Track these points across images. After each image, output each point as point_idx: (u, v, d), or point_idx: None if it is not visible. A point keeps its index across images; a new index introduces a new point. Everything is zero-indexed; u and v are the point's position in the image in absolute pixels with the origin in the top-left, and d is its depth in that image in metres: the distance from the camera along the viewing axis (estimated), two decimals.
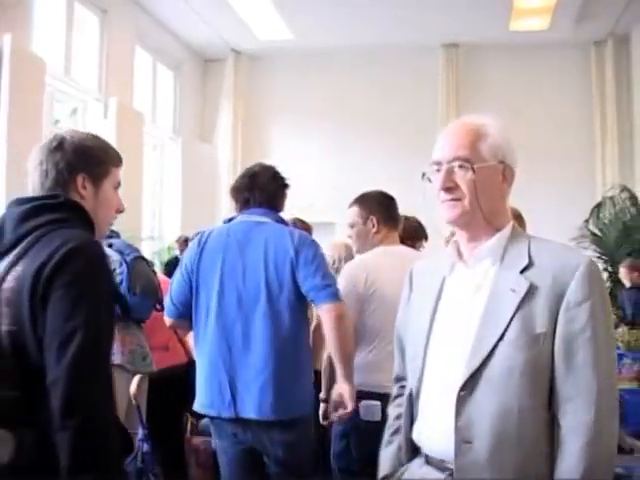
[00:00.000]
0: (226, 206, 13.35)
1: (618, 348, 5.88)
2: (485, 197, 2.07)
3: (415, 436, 2.15)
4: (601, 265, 11.00)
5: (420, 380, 2.12)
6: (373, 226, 4.02)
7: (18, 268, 2.02)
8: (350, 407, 3.43)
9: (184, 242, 8.21)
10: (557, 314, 1.94)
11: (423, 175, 2.18)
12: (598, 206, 11.54)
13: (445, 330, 2.11)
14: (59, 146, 2.24)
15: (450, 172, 2.08)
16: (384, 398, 2.79)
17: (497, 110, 11.87)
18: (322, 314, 3.46)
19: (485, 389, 1.94)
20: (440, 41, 13.23)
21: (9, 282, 2.01)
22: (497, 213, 2.12)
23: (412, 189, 10.58)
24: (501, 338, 1.95)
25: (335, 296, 3.43)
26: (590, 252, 10.98)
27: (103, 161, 2.30)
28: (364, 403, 3.67)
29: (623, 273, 9.49)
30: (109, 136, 10.12)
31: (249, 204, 3.68)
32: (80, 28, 10.30)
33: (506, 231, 2.11)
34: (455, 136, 2.14)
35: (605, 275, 10.98)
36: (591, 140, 13.01)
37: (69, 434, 1.87)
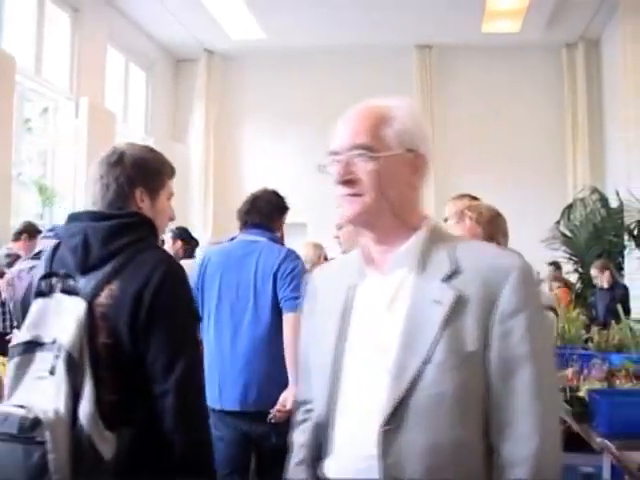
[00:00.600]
0: (198, 206, 13.32)
1: (587, 349, 5.91)
2: (392, 191, 1.74)
3: (327, 473, 1.78)
4: (571, 266, 11.09)
5: (330, 408, 1.77)
6: None
7: (113, 287, 2.19)
8: (288, 406, 3.63)
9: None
10: (490, 328, 1.64)
11: (321, 168, 1.86)
12: (569, 207, 11.62)
13: (358, 350, 1.76)
14: (119, 160, 2.35)
15: (348, 163, 1.75)
16: None
17: (469, 110, 12.01)
18: (284, 321, 3.85)
19: (413, 422, 1.63)
20: (414, 42, 13.29)
21: (104, 298, 2.18)
22: (409, 210, 1.78)
23: None
24: (427, 360, 1.63)
25: (295, 307, 3.66)
26: (561, 253, 11.07)
27: (159, 174, 2.45)
28: None
29: (595, 273, 9.56)
30: (80, 136, 10.07)
31: (247, 225, 4.11)
32: (51, 26, 10.22)
33: (423, 231, 1.76)
34: (354, 121, 1.82)
35: (575, 276, 11.07)
36: (562, 142, 13.12)
37: (183, 439, 2.15)
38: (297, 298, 3.72)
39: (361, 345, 1.76)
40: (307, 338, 1.96)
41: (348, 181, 1.74)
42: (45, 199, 9.71)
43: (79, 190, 9.90)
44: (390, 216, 1.75)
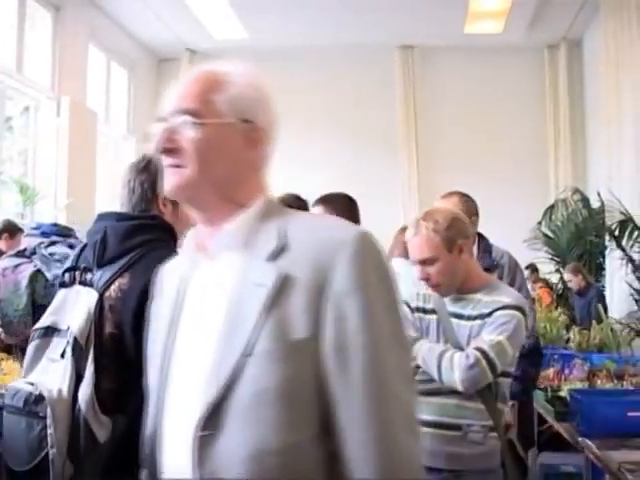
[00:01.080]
0: None
1: (567, 349, 5.95)
2: (218, 164, 1.52)
3: None
4: (553, 266, 11.13)
5: (159, 416, 1.55)
6: None
7: (123, 281, 2.31)
8: None
9: None
10: (321, 312, 1.38)
11: (147, 136, 1.64)
12: (551, 208, 11.67)
13: (186, 347, 1.54)
14: (146, 167, 2.49)
15: (173, 130, 1.54)
16: None
17: (452, 111, 12.04)
18: None
19: (233, 425, 1.38)
20: (396, 43, 13.30)
21: (114, 291, 2.31)
22: (238, 187, 1.54)
23: (369, 189, 10.67)
24: (247, 353, 1.38)
25: None
26: (543, 253, 11.11)
27: None
28: None
29: (569, 277, 9.60)
30: (62, 135, 10.02)
31: None
32: (33, 25, 10.17)
33: (254, 209, 1.53)
34: (185, 85, 1.60)
35: (557, 277, 11.11)
36: (544, 143, 13.17)
37: None
38: None
39: (187, 342, 1.54)
40: (147, 342, 1.69)
41: (170, 150, 1.53)
42: (26, 198, 9.65)
43: (60, 189, 9.86)
44: (214, 193, 1.53)
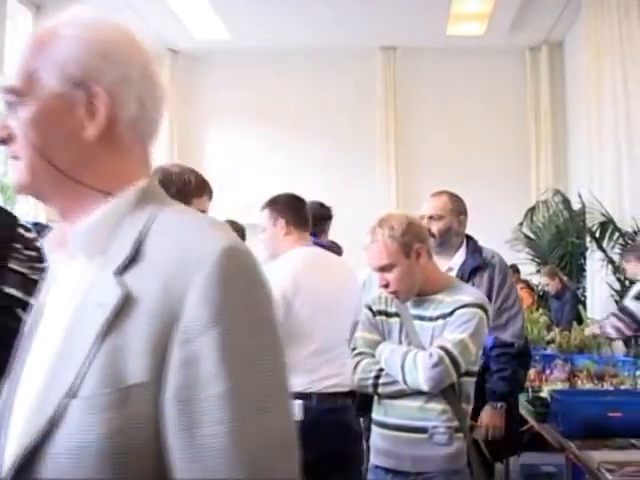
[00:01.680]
0: None
1: (545, 349, 5.98)
2: (53, 147, 1.17)
3: None
4: (534, 267, 11.16)
5: None
6: (282, 228, 3.87)
7: None
8: None
9: None
10: (167, 350, 1.02)
11: None
12: (532, 209, 11.70)
13: (30, 365, 1.20)
14: (155, 172, 2.57)
15: (5, 115, 1.20)
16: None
17: (433, 112, 12.06)
18: None
19: None
20: (378, 44, 13.31)
21: None
22: (88, 171, 1.18)
23: (350, 190, 10.71)
24: (72, 393, 1.04)
25: None
26: (524, 254, 11.14)
27: (181, 192, 2.61)
28: None
29: (546, 280, 9.62)
30: None
31: None
32: (14, 25, 10.12)
33: (117, 201, 1.17)
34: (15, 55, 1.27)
35: (538, 278, 11.14)
36: (526, 144, 13.22)
37: None
38: None
39: (32, 360, 1.20)
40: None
41: (3, 140, 1.20)
42: (7, 198, 9.59)
43: None
44: (59, 184, 1.19)
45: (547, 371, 4.72)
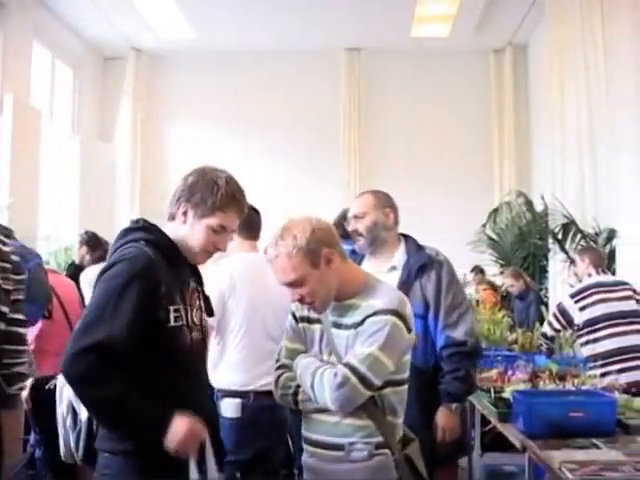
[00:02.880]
0: (124, 206, 13.14)
1: (510, 350, 6.02)
2: None
3: None
4: (497, 269, 11.22)
5: None
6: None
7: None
8: None
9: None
10: None
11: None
12: (495, 211, 11.77)
13: None
14: (187, 177, 2.77)
15: None
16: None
17: (398, 114, 12.08)
18: None
19: None
20: (343, 45, 13.33)
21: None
22: None
23: (314, 190, 10.71)
24: None
25: None
26: (487, 256, 11.20)
27: (204, 202, 2.67)
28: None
29: (510, 282, 9.64)
30: (4, 133, 9.85)
31: None
32: None
33: None
34: None
35: (501, 279, 11.22)
36: (490, 146, 13.33)
37: None
38: None
39: None
40: None
41: None
42: None
43: (2, 189, 9.68)
44: None
45: (509, 372, 4.73)
